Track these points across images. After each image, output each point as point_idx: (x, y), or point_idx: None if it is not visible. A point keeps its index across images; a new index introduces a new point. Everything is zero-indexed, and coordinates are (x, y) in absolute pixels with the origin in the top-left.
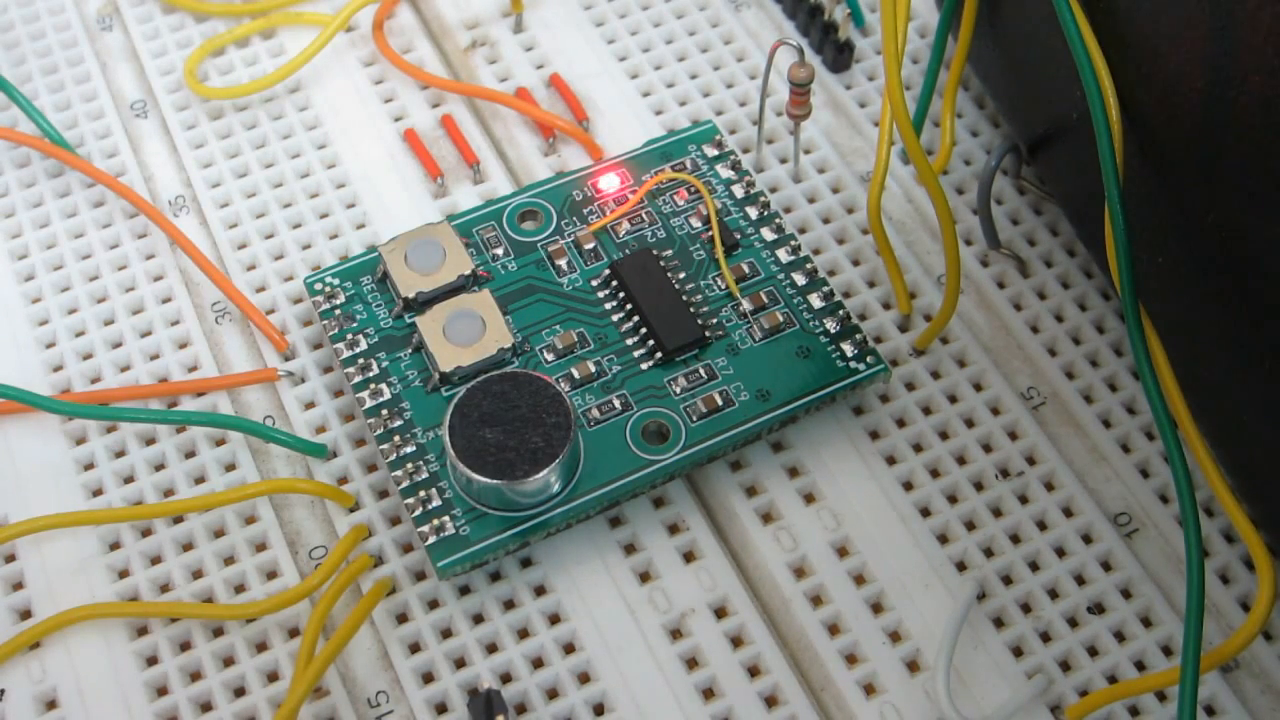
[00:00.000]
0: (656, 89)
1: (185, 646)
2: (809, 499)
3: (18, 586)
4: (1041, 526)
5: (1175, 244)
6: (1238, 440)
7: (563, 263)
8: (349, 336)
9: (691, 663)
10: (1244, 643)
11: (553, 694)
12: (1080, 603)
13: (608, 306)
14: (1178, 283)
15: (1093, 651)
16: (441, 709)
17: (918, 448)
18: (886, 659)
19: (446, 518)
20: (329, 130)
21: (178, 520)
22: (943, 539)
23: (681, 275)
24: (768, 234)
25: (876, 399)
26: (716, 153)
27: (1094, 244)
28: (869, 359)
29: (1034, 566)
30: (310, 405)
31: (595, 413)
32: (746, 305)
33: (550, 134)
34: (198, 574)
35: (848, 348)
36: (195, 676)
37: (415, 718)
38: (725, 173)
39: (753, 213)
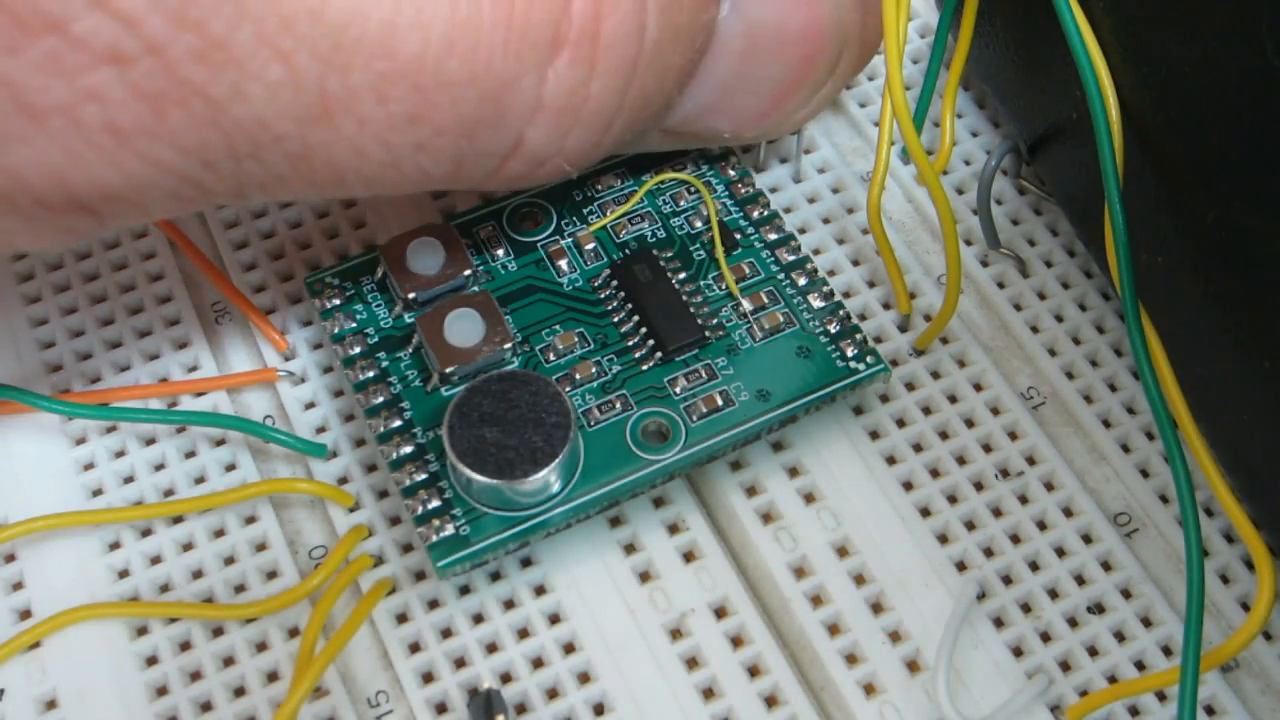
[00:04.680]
0: None
1: (185, 647)
2: (809, 499)
3: (18, 586)
4: (1041, 526)
5: (1175, 244)
6: (1238, 440)
7: (563, 263)
8: (349, 336)
9: (691, 663)
10: (1244, 643)
11: (553, 694)
12: (1080, 603)
13: (608, 307)
14: (1178, 283)
15: (1093, 651)
16: (441, 709)
17: (918, 448)
18: (886, 659)
19: (446, 518)
20: None
21: (178, 520)
22: (943, 539)
23: (681, 275)
24: (768, 234)
25: (877, 399)
26: (717, 152)
27: (1094, 244)
28: (869, 359)
29: (1034, 566)
30: (310, 405)
31: (595, 413)
32: (746, 305)
33: None
34: (198, 574)
35: (848, 348)
36: (195, 677)
37: (415, 718)
38: (726, 173)
39: (753, 213)
